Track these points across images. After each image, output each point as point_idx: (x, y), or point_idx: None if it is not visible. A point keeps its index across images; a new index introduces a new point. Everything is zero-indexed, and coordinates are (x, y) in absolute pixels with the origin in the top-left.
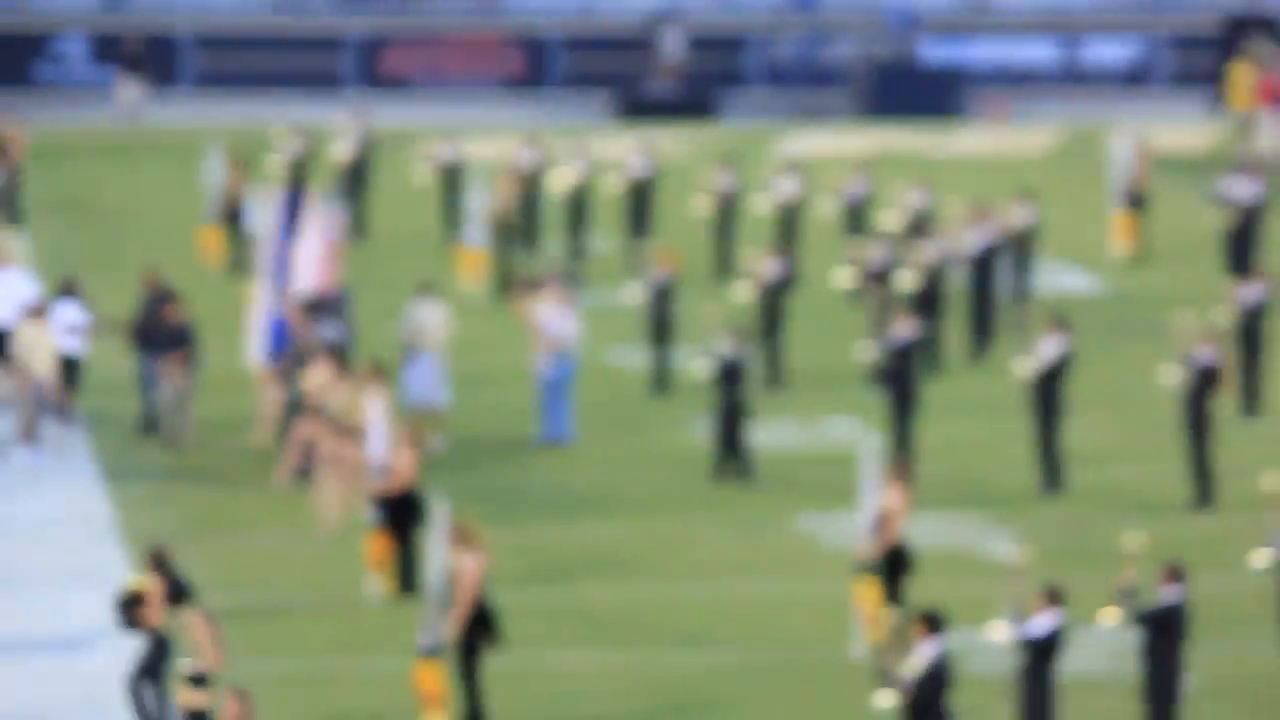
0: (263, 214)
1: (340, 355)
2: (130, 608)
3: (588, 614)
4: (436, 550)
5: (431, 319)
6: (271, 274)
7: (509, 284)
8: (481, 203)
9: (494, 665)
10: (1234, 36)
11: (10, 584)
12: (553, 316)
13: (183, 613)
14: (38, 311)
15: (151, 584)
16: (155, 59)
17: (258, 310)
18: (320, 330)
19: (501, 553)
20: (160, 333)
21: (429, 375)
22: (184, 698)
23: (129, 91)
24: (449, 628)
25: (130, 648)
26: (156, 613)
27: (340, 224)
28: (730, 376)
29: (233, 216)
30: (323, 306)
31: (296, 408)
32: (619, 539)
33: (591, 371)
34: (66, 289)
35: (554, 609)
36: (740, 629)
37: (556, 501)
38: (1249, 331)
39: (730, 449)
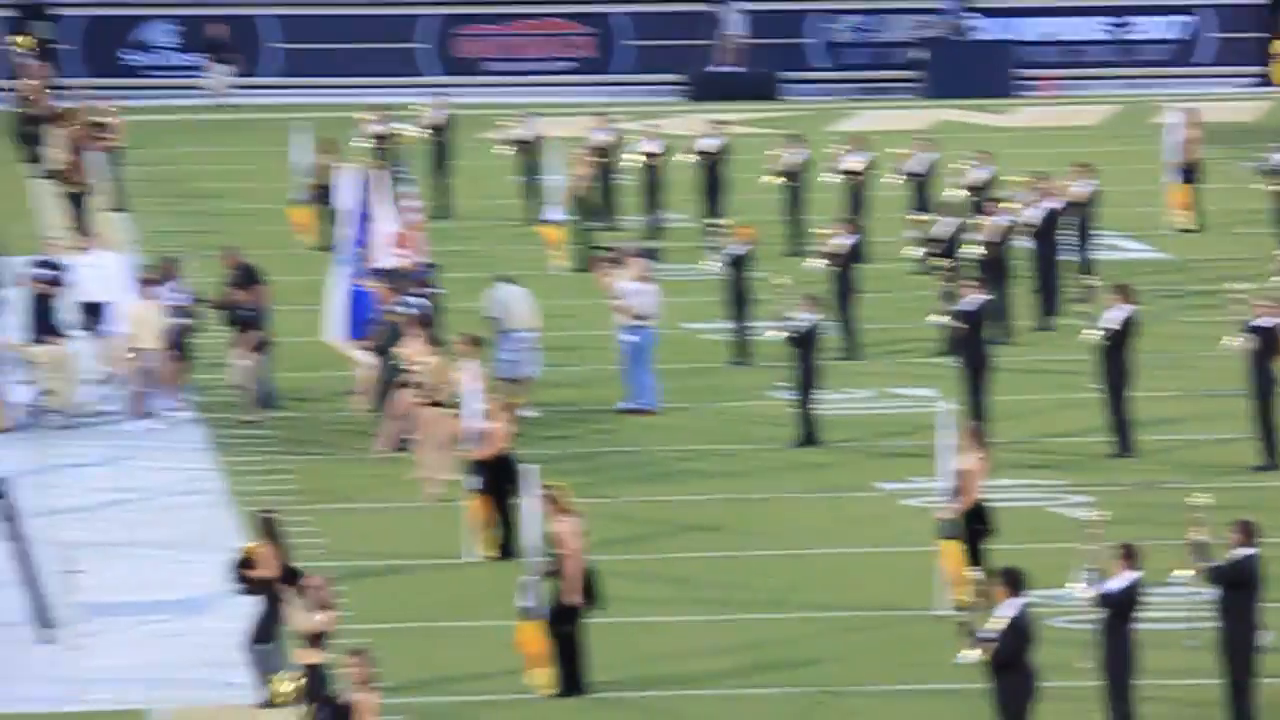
0: (344, 193)
1: (431, 327)
2: (244, 571)
3: (677, 577)
4: (531, 515)
5: (514, 301)
6: (351, 251)
7: (590, 258)
8: (559, 181)
9: (591, 626)
10: None
11: (129, 550)
12: (633, 288)
13: (294, 576)
14: (145, 288)
15: (263, 549)
16: (241, 44)
17: (337, 287)
18: (406, 303)
19: (590, 517)
20: (233, 311)
21: (517, 350)
22: (301, 656)
23: (217, 76)
24: (566, 591)
25: (246, 610)
26: (269, 576)
27: (418, 203)
28: (805, 344)
29: (322, 196)
30: (407, 281)
31: (391, 379)
32: (704, 503)
33: (673, 341)
34: (167, 268)
35: (643, 572)
36: (826, 590)
37: (643, 468)
38: None
39: (807, 413)
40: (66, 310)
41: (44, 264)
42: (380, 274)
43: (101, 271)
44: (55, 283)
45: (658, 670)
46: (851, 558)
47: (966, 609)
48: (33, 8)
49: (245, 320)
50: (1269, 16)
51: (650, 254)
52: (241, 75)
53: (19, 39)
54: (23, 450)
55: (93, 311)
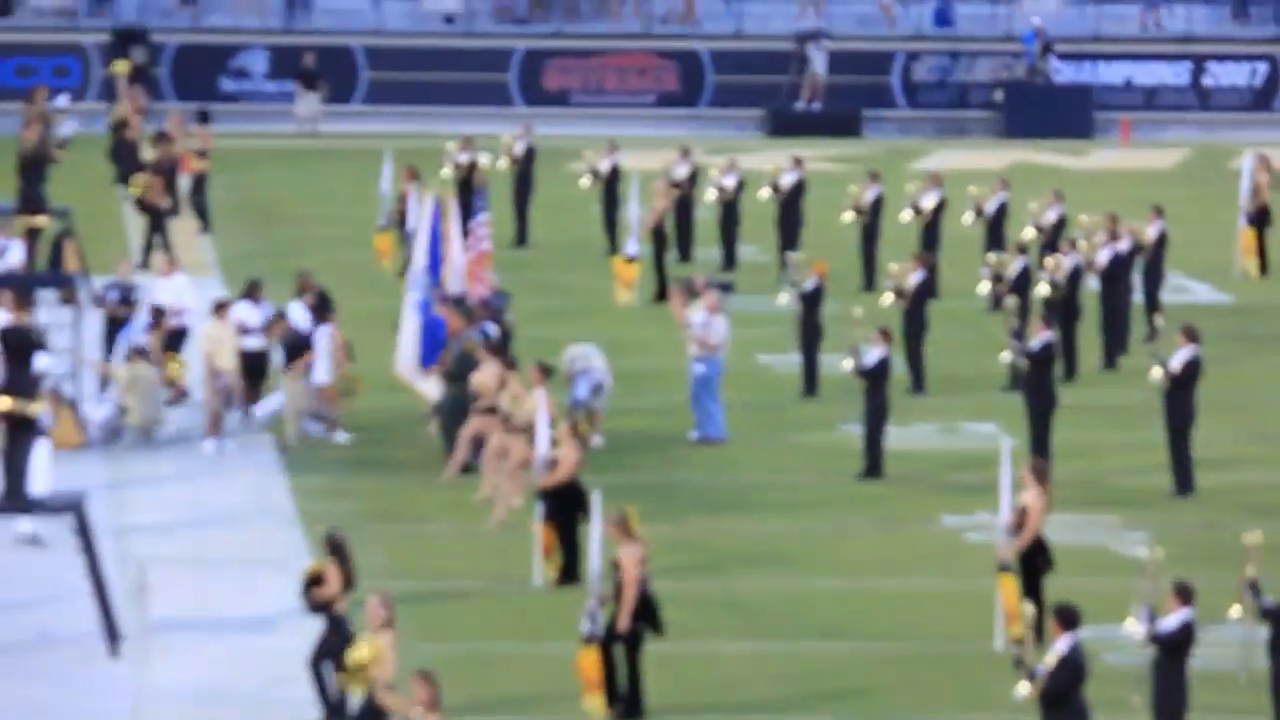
0: (419, 221)
1: (503, 354)
2: (311, 591)
3: (739, 605)
4: (595, 541)
5: (588, 354)
6: (424, 279)
7: (665, 290)
8: (639, 213)
9: (651, 653)
10: None
11: (200, 568)
12: (705, 320)
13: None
14: (223, 309)
15: (330, 569)
16: (332, 73)
17: (408, 315)
18: (479, 331)
19: (656, 546)
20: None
21: (587, 388)
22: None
23: (307, 104)
24: (620, 618)
25: (313, 629)
26: (335, 596)
27: (490, 230)
28: (875, 377)
29: (404, 223)
30: (480, 309)
31: (460, 405)
32: (769, 534)
33: (744, 374)
34: (248, 290)
35: (706, 600)
36: (886, 622)
37: (710, 497)
38: None
39: (874, 446)
40: (140, 331)
41: (115, 286)
42: (452, 301)
43: (178, 294)
44: (126, 303)
45: (716, 698)
46: (913, 590)
47: (1020, 644)
48: (129, 34)
49: (295, 346)
50: None
51: (724, 286)
52: (331, 103)
53: (116, 64)
54: (98, 467)
55: (171, 333)
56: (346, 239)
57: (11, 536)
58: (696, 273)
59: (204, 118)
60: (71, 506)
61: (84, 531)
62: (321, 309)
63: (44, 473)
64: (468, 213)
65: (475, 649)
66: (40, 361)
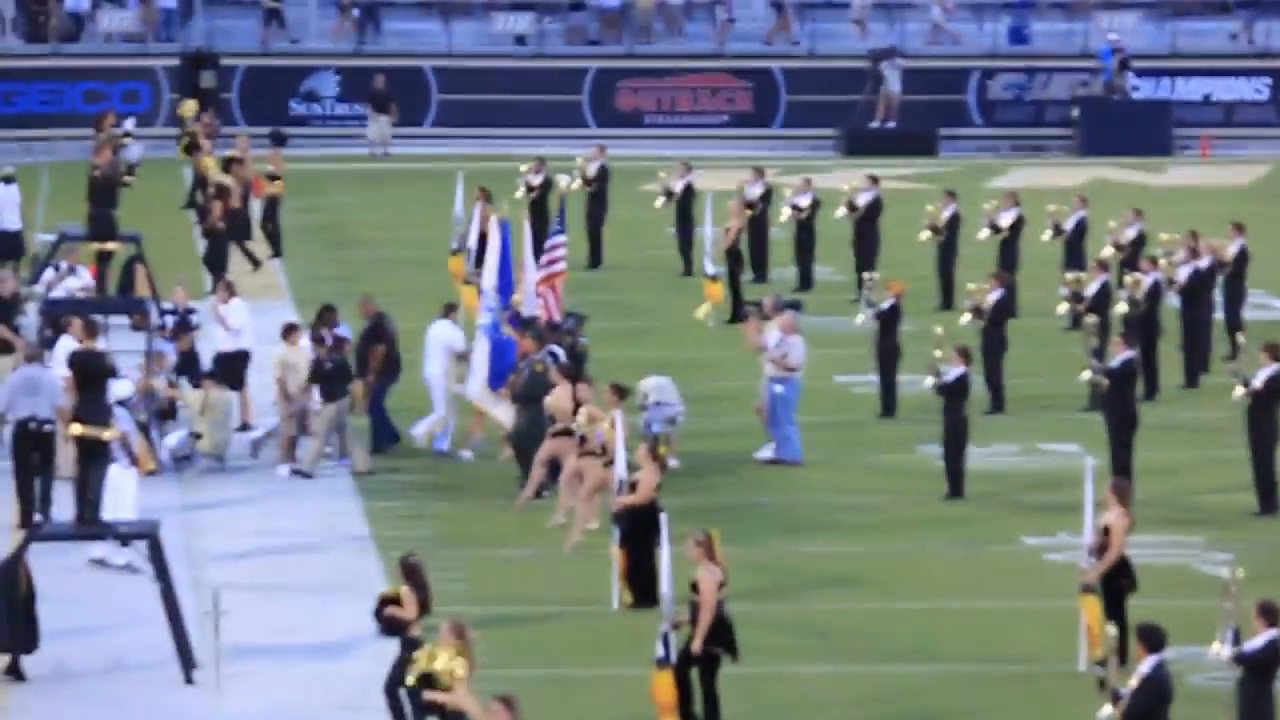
0: (491, 243)
1: (578, 377)
2: (386, 615)
3: (817, 627)
4: (667, 564)
5: (662, 387)
6: (495, 300)
7: (740, 310)
8: (713, 233)
9: (728, 675)
10: None
11: (274, 593)
12: (781, 341)
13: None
14: (294, 334)
15: (405, 593)
16: (402, 95)
17: (479, 338)
18: (551, 354)
19: (733, 568)
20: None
21: (660, 422)
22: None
23: (379, 126)
24: (694, 640)
25: (388, 654)
26: (410, 620)
27: (564, 252)
28: (954, 395)
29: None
30: (553, 331)
31: (533, 429)
32: (847, 555)
33: (821, 394)
34: (321, 315)
35: (784, 622)
36: (966, 643)
37: (787, 519)
38: None
39: (954, 467)
40: (206, 357)
41: (170, 311)
42: (524, 323)
43: (240, 319)
44: (186, 328)
45: None
46: (993, 611)
47: (1103, 665)
48: (199, 58)
49: (330, 373)
50: None
51: (793, 305)
52: (403, 125)
53: (183, 105)
54: (171, 493)
55: (230, 359)
56: (419, 262)
57: (85, 562)
58: (766, 295)
59: (279, 140)
60: (146, 533)
61: (158, 557)
62: (379, 333)
63: (130, 500)
64: (540, 235)
65: (553, 673)
66: (119, 388)
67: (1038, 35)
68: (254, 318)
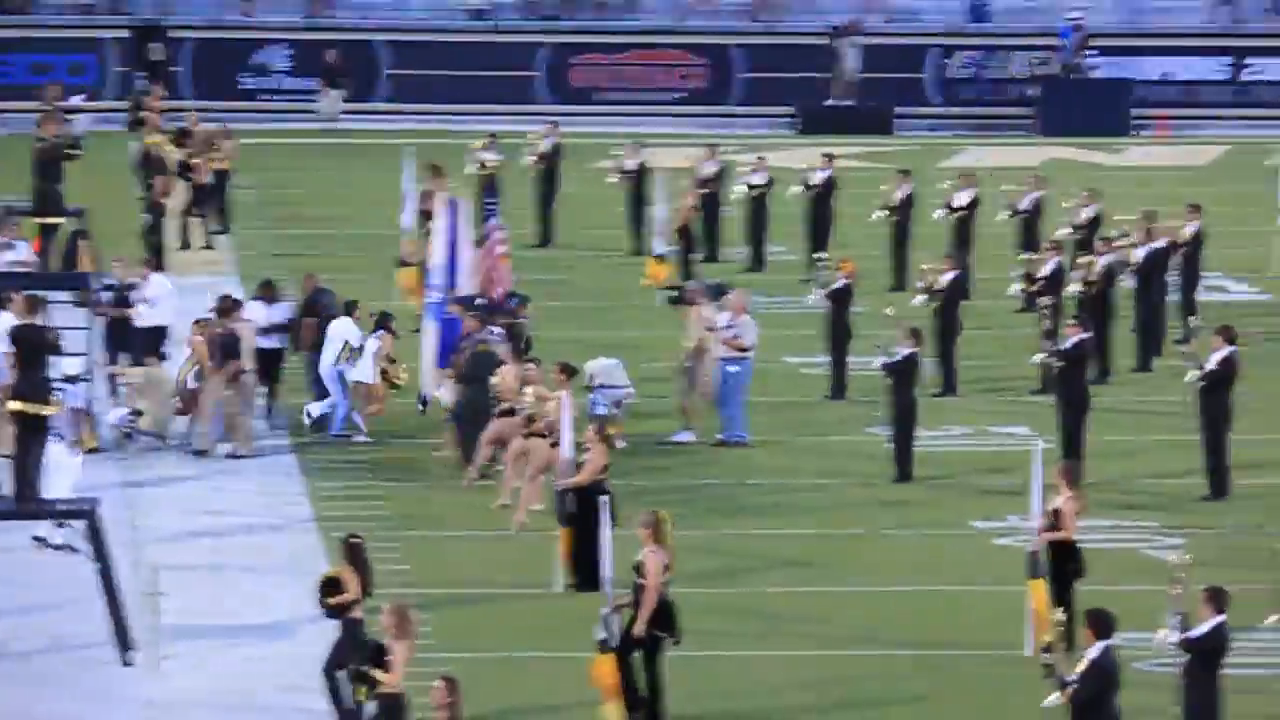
0: (437, 220)
1: (522, 357)
2: (327, 597)
3: (765, 610)
4: (608, 546)
5: (609, 369)
6: (440, 279)
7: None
8: (664, 212)
9: (675, 659)
10: None
11: (216, 574)
12: (730, 321)
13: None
14: (237, 309)
15: (346, 574)
16: (355, 69)
17: (427, 318)
18: (493, 333)
19: (681, 550)
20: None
21: (606, 405)
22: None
23: (330, 101)
24: (636, 624)
25: (329, 636)
26: (352, 602)
27: (506, 232)
28: (902, 376)
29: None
30: (496, 310)
31: (476, 408)
32: (795, 538)
33: (771, 374)
34: (261, 290)
35: (732, 605)
36: (914, 627)
37: (734, 501)
38: None
39: (903, 449)
40: (138, 333)
41: (109, 286)
42: (467, 302)
43: (159, 293)
44: (123, 304)
45: (742, 705)
46: (942, 595)
47: (1050, 650)
48: (148, 30)
49: (227, 348)
50: None
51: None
52: (355, 100)
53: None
54: (110, 471)
55: (149, 334)
56: (367, 238)
57: (26, 540)
58: (721, 273)
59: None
60: (84, 511)
61: (96, 537)
62: (318, 308)
63: (70, 479)
64: (476, 213)
65: (496, 656)
66: (69, 365)
67: (997, 12)
68: (197, 294)
